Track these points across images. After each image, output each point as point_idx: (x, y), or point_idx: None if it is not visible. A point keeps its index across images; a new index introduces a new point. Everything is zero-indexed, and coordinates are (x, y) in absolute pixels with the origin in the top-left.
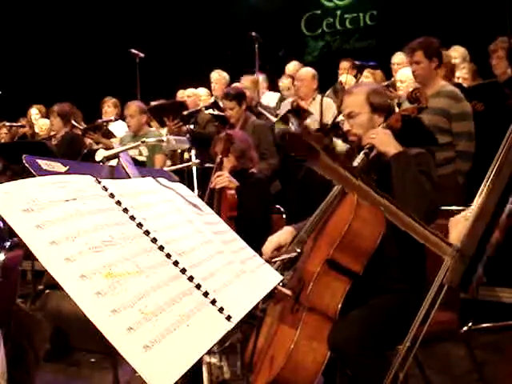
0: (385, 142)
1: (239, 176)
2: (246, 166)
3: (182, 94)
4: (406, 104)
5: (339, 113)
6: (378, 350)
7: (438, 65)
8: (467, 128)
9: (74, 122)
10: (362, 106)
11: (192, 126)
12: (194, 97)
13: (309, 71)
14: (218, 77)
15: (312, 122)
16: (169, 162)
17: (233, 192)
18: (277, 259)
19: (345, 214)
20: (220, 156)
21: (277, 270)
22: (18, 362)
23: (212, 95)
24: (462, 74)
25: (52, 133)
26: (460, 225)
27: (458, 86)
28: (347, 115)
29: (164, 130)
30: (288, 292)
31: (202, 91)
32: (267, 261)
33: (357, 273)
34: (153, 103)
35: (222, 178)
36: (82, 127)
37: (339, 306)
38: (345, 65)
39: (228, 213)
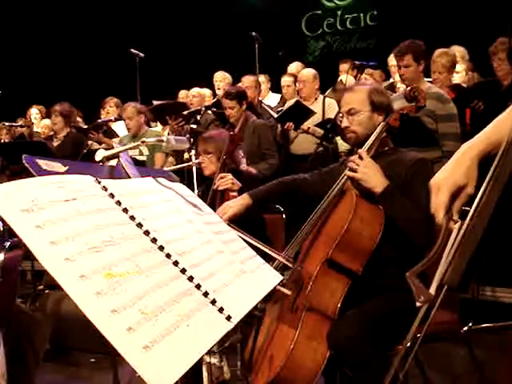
0: (368, 178)
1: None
2: (231, 167)
3: (183, 95)
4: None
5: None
6: (378, 349)
7: (424, 67)
8: (453, 129)
9: (79, 120)
10: (363, 103)
11: (195, 126)
12: (199, 97)
13: (310, 72)
14: (222, 78)
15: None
16: (173, 161)
17: (235, 194)
18: (278, 256)
19: (344, 214)
20: (224, 157)
21: (276, 269)
22: (18, 361)
23: (214, 95)
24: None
25: (51, 133)
26: (442, 190)
27: (457, 86)
28: (347, 112)
29: (166, 130)
30: (288, 292)
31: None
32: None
33: (356, 272)
34: (155, 102)
35: (226, 180)
36: (84, 127)
37: (339, 305)
38: (345, 66)
39: None
